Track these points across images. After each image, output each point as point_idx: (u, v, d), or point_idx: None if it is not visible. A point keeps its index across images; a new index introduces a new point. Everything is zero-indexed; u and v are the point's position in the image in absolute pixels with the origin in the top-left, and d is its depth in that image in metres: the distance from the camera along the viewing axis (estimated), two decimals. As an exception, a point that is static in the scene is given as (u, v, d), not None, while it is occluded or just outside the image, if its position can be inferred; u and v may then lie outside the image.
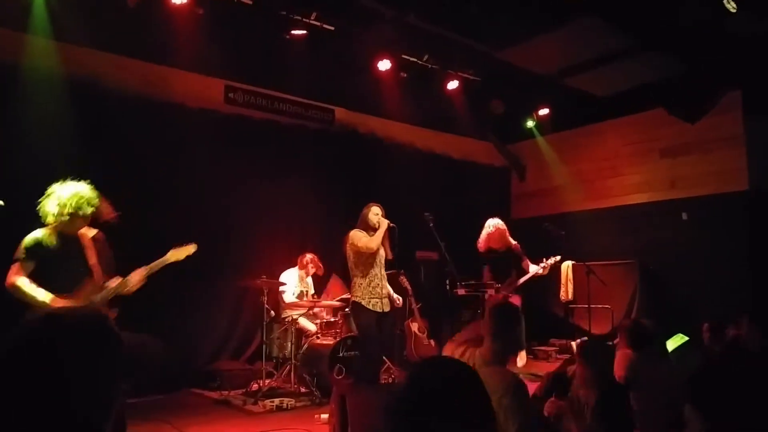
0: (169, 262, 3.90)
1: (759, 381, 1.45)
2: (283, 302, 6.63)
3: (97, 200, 3.74)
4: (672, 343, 5.66)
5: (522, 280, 6.70)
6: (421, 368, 1.35)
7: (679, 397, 3.46)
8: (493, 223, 6.87)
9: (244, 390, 6.00)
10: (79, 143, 5.55)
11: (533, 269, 6.70)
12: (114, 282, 3.70)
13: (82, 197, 3.72)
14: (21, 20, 5.55)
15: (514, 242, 6.87)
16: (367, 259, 5.26)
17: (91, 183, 3.93)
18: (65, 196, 3.70)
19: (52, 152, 4.99)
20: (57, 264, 3.58)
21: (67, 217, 3.66)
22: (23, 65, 5.60)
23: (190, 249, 4.02)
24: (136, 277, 3.76)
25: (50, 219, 3.69)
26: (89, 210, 3.70)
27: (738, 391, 1.42)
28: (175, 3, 6.00)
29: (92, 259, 3.71)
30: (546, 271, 6.77)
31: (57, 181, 3.84)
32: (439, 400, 1.20)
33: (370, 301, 5.20)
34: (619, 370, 3.87)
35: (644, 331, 4.06)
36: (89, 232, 3.83)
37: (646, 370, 3.77)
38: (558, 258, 6.88)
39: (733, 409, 1.39)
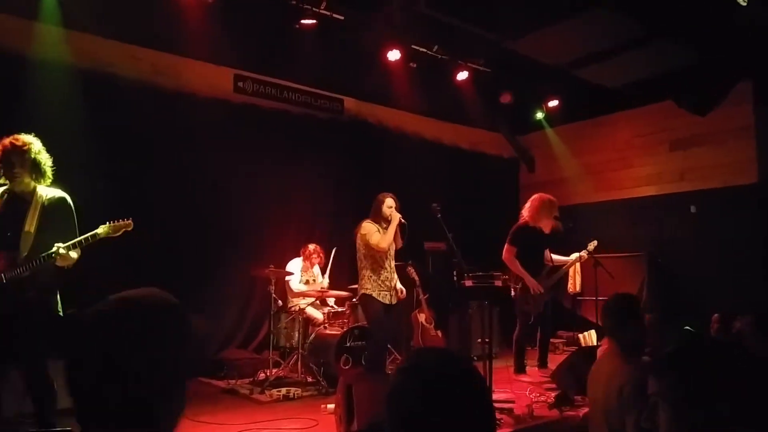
0: (102, 237, 3.65)
1: (743, 376, 1.45)
2: (290, 291, 6.66)
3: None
4: (679, 337, 5.65)
5: (563, 270, 6.44)
6: (412, 358, 1.36)
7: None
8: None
9: (251, 379, 6.04)
10: (88, 133, 5.57)
11: (573, 256, 6.42)
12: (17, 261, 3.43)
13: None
14: (30, 8, 5.55)
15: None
16: (378, 252, 5.23)
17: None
18: (40, 146, 3.57)
19: (62, 142, 4.97)
20: None
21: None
22: (32, 54, 5.59)
23: (128, 225, 3.77)
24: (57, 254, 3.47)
25: (49, 178, 3.59)
26: None
27: (712, 375, 1.43)
28: (184, -8, 6.00)
29: (30, 226, 3.46)
30: (583, 259, 6.51)
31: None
32: (429, 390, 1.20)
33: (380, 293, 5.19)
34: None
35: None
36: (48, 194, 3.58)
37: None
38: (595, 242, 6.54)
39: (703, 392, 1.40)
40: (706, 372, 1.37)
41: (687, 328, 5.70)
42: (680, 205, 8.29)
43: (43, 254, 3.47)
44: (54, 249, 3.46)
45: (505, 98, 8.84)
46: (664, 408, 1.41)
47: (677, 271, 8.05)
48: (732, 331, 4.90)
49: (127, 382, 1.06)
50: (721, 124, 7.95)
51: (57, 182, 3.74)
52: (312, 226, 7.64)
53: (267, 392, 5.56)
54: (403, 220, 5.25)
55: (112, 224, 3.72)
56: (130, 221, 3.80)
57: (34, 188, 3.55)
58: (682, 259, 7.98)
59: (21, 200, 3.50)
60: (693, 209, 8.21)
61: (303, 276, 6.79)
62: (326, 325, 6.32)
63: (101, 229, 3.67)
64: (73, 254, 3.54)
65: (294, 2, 6.48)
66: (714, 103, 7.95)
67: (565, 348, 8.05)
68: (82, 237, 3.59)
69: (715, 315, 5.15)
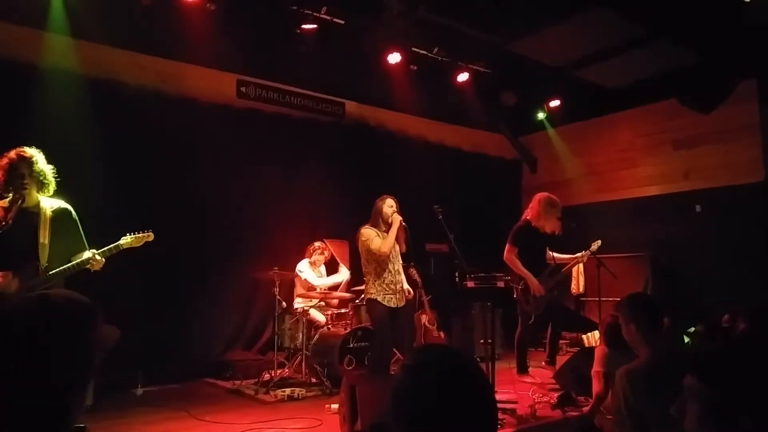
0: (124, 248, 3.78)
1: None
2: (303, 285, 6.71)
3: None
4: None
5: (565, 270, 6.45)
6: (416, 355, 1.37)
7: None
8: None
9: (256, 380, 6.08)
10: (95, 139, 5.68)
11: (576, 255, 6.37)
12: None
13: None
14: (40, 19, 5.66)
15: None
16: (380, 257, 5.15)
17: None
18: (43, 157, 3.62)
19: (69, 149, 5.06)
20: (5, 239, 3.40)
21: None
22: (41, 63, 5.71)
23: (149, 236, 3.91)
24: (93, 260, 3.62)
25: (53, 188, 3.66)
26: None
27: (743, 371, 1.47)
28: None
29: (44, 237, 3.54)
30: (585, 259, 6.48)
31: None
32: (434, 386, 1.20)
33: (384, 297, 5.14)
34: (597, 365, 4.13)
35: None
36: (52, 205, 3.66)
37: (621, 365, 3.93)
38: (599, 242, 6.47)
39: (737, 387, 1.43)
40: (740, 383, 1.39)
41: (692, 329, 5.70)
42: (685, 205, 8.25)
43: (78, 260, 3.59)
44: (89, 255, 3.60)
45: (507, 99, 8.86)
46: (692, 406, 1.43)
47: (681, 271, 7.98)
48: (736, 331, 4.90)
49: (33, 377, 1.13)
50: (725, 122, 7.93)
51: (64, 188, 3.81)
52: (314, 230, 7.67)
53: (272, 392, 5.61)
54: (404, 223, 5.19)
55: (134, 236, 3.84)
56: (150, 233, 3.93)
57: (38, 200, 3.63)
58: (687, 259, 7.90)
59: (30, 213, 3.57)
60: (698, 208, 8.17)
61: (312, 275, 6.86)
62: (330, 326, 6.37)
63: (123, 241, 3.80)
64: (102, 260, 3.67)
65: (295, 7, 6.54)
66: (717, 101, 7.94)
67: (568, 349, 8.04)
68: (107, 248, 3.72)
69: (725, 315, 5.14)
